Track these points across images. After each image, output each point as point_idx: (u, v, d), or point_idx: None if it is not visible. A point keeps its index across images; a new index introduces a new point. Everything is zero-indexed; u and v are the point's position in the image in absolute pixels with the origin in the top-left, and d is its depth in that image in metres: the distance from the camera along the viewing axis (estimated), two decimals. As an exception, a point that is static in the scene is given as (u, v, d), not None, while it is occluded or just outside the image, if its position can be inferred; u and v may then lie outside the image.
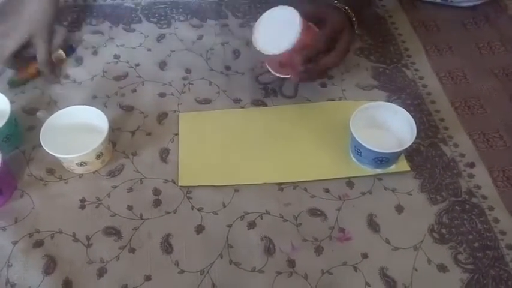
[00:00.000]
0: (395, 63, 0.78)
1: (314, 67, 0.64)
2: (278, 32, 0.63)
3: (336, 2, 0.68)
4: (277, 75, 0.68)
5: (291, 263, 0.56)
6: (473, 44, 0.81)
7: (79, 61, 0.78)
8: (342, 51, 0.65)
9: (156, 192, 0.62)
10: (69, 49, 0.78)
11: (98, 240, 0.58)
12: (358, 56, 0.79)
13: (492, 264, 0.56)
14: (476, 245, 0.58)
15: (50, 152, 0.60)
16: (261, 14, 0.65)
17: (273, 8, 0.65)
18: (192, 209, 0.61)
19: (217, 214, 0.60)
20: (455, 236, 0.59)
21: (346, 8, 0.67)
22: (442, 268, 0.56)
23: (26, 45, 0.71)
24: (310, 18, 0.66)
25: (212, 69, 0.77)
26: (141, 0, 0.87)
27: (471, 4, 0.85)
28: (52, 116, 0.64)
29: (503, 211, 0.60)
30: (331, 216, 0.60)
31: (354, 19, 0.67)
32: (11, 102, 0.64)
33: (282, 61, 0.67)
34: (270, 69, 0.68)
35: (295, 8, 0.63)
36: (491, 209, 0.61)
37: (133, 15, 0.85)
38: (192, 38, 0.81)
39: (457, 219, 0.60)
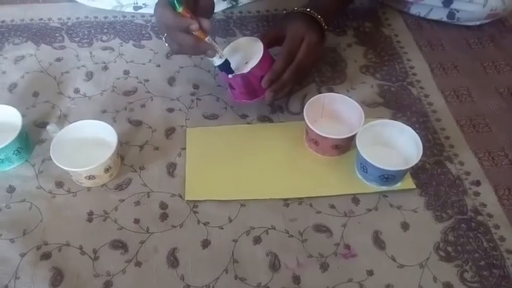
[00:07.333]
0: (401, 81, 0.79)
1: (277, 85, 0.67)
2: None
3: (308, 10, 0.70)
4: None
5: (296, 279, 0.56)
6: (478, 63, 0.82)
7: (89, 76, 0.79)
8: (295, 66, 0.67)
9: (163, 206, 0.63)
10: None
11: (105, 253, 0.58)
12: (364, 74, 0.80)
13: (499, 283, 0.56)
14: (482, 263, 0.58)
15: (59, 165, 0.61)
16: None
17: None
18: (198, 224, 0.61)
19: (223, 229, 0.61)
20: (461, 254, 0.58)
21: (319, 16, 0.69)
22: (448, 286, 0.56)
23: None
24: (271, 40, 0.70)
25: (219, 85, 0.78)
26: (151, 17, 0.88)
27: (477, 23, 0.86)
28: (62, 129, 0.65)
29: (509, 229, 0.60)
30: (337, 233, 0.60)
31: (325, 26, 0.70)
32: (23, 115, 0.66)
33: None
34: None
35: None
36: (497, 227, 0.61)
37: (143, 32, 0.87)
38: (200, 54, 0.83)
39: (462, 237, 0.60)
